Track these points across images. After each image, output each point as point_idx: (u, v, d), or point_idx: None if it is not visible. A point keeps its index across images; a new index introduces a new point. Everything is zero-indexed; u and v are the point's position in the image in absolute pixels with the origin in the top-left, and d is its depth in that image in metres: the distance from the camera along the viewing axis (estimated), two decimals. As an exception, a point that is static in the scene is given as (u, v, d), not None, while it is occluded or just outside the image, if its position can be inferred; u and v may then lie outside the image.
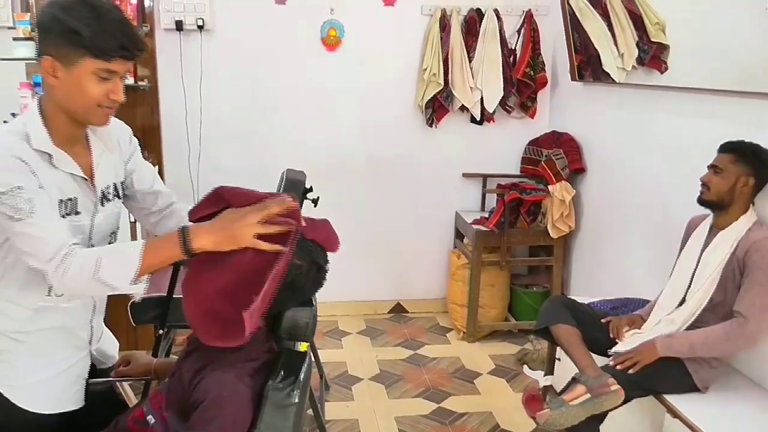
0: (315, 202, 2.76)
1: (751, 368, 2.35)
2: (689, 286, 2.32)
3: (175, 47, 3.63)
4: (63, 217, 1.40)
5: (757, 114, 2.36)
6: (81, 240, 1.46)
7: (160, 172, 3.69)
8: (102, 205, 1.51)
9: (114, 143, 1.55)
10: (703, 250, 2.31)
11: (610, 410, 2.21)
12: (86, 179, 1.46)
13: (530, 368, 3.42)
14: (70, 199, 1.42)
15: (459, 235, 4.07)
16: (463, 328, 3.82)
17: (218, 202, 1.33)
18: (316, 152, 3.87)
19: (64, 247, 1.31)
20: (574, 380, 2.26)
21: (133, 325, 2.60)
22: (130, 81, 3.47)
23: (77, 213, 1.44)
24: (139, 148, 1.68)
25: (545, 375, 3.12)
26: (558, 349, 2.99)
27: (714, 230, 2.30)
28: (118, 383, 1.67)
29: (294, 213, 1.29)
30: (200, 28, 3.61)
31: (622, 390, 2.17)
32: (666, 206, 2.93)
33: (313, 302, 1.41)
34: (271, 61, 3.77)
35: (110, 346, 1.71)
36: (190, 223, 1.35)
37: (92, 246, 1.49)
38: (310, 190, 2.74)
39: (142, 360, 1.65)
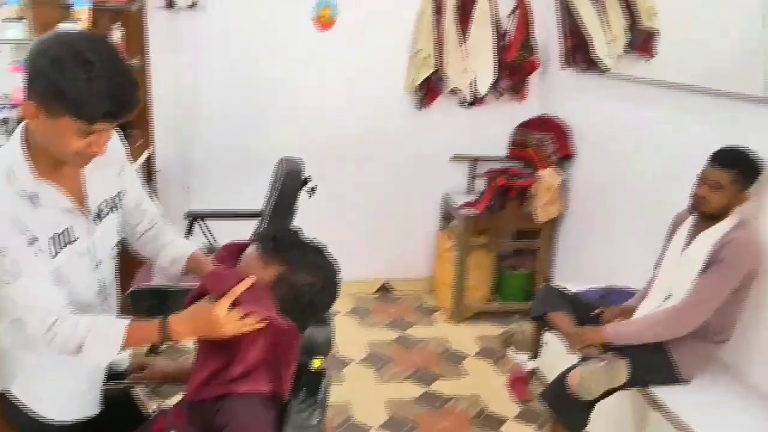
0: (312, 191, 2.79)
1: (732, 360, 2.46)
2: (674, 281, 2.41)
3: (167, 25, 3.58)
4: (57, 254, 1.38)
5: (745, 117, 2.42)
6: (85, 263, 1.46)
7: (152, 153, 3.68)
8: (99, 222, 1.49)
9: (106, 155, 1.47)
10: (685, 248, 2.40)
11: (618, 389, 2.32)
12: (76, 209, 1.42)
13: (515, 350, 3.53)
14: (64, 230, 1.40)
15: (447, 216, 4.12)
16: (450, 309, 3.91)
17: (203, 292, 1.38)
18: (308, 131, 3.87)
19: (50, 316, 1.33)
20: (583, 359, 2.36)
21: (132, 313, 2.62)
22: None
23: (74, 240, 1.43)
24: (128, 159, 1.63)
25: (530, 359, 3.24)
26: (544, 333, 3.10)
27: (697, 229, 2.38)
28: (133, 387, 1.70)
29: (256, 290, 1.31)
30: (192, 6, 3.55)
31: (626, 361, 2.28)
32: (653, 197, 3.01)
33: (329, 319, 1.46)
34: (264, 39, 3.72)
35: None
36: (170, 317, 1.37)
37: (100, 263, 1.51)
38: (308, 180, 2.76)
39: (158, 365, 1.69)
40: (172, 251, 1.66)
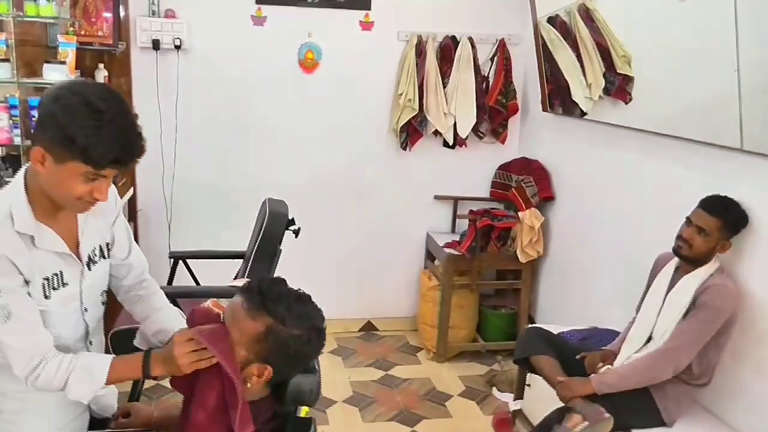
0: (296, 233, 2.80)
1: (714, 403, 2.48)
2: (655, 325, 2.44)
3: (151, 65, 3.61)
4: (48, 297, 1.40)
5: (722, 165, 2.49)
6: (73, 308, 1.48)
7: (134, 192, 3.67)
8: (89, 269, 1.52)
9: (99, 206, 1.51)
10: (668, 291, 2.43)
11: None
12: (70, 254, 1.45)
13: (499, 390, 3.53)
14: (55, 274, 1.43)
15: (430, 256, 4.15)
16: (433, 348, 3.91)
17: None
18: (292, 172, 3.91)
19: (35, 359, 1.36)
20: (568, 410, 2.36)
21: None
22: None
23: (65, 285, 1.45)
24: (122, 211, 1.68)
25: (515, 399, 3.24)
26: (528, 374, 3.10)
27: (679, 273, 2.42)
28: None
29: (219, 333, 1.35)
30: (177, 47, 3.59)
31: (612, 418, 2.28)
32: (632, 240, 3.06)
33: (317, 367, 1.46)
34: (249, 82, 3.78)
35: (110, 396, 1.71)
36: (152, 352, 1.43)
37: (86, 310, 1.53)
38: (293, 221, 2.77)
39: (143, 412, 1.67)
40: (159, 322, 1.66)
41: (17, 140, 2.90)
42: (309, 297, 1.38)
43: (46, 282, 1.40)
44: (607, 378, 2.36)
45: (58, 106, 1.28)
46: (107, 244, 1.59)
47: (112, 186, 1.61)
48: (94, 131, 1.26)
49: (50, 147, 1.29)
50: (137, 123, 1.36)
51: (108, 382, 1.40)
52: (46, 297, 1.40)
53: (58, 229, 1.43)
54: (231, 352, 1.30)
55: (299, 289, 1.39)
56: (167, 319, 1.67)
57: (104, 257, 1.58)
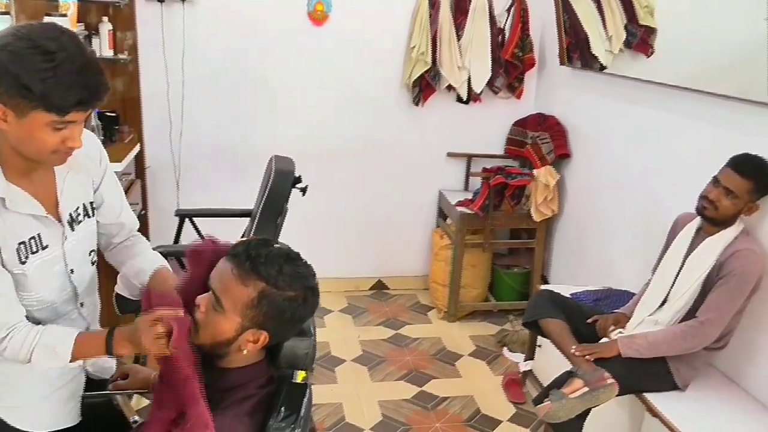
0: (303, 191, 2.75)
1: (730, 367, 2.42)
2: (672, 287, 2.36)
3: (157, 19, 3.52)
4: (25, 261, 1.34)
5: (747, 121, 2.37)
6: (57, 271, 1.42)
7: (141, 148, 3.62)
8: (72, 230, 1.44)
9: (81, 160, 1.42)
10: (688, 253, 2.34)
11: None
12: (47, 216, 1.37)
13: (510, 350, 3.50)
14: (32, 238, 1.35)
15: (442, 214, 4.08)
16: (444, 308, 3.87)
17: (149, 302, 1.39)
18: (301, 129, 3.83)
19: (2, 330, 1.31)
20: (570, 374, 2.30)
21: (118, 314, 2.57)
22: (109, 53, 3.37)
23: (45, 247, 1.38)
24: (110, 168, 1.58)
25: (526, 360, 3.20)
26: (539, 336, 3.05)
27: (701, 234, 2.31)
28: (116, 396, 1.66)
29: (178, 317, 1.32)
30: (183, -1, 3.49)
31: (617, 383, 2.22)
32: (650, 198, 2.96)
33: (312, 331, 1.41)
34: (256, 35, 3.67)
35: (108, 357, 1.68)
36: (116, 330, 1.38)
37: (72, 272, 1.46)
38: (299, 179, 2.71)
39: (141, 373, 1.64)
40: (139, 263, 1.60)
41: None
42: (298, 255, 1.32)
43: (22, 246, 1.33)
44: (636, 343, 2.28)
45: (6, 55, 1.16)
46: (91, 203, 1.51)
47: (99, 144, 1.54)
48: (49, 74, 1.16)
49: (8, 101, 1.18)
50: (95, 59, 1.25)
51: (72, 359, 1.36)
52: (21, 262, 1.33)
53: (33, 190, 1.35)
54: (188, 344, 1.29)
55: (287, 248, 1.32)
56: (147, 260, 1.61)
57: (89, 216, 1.50)
